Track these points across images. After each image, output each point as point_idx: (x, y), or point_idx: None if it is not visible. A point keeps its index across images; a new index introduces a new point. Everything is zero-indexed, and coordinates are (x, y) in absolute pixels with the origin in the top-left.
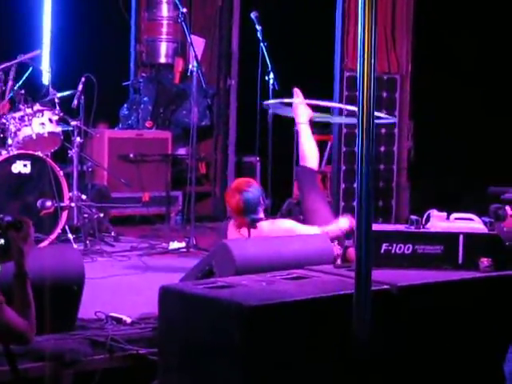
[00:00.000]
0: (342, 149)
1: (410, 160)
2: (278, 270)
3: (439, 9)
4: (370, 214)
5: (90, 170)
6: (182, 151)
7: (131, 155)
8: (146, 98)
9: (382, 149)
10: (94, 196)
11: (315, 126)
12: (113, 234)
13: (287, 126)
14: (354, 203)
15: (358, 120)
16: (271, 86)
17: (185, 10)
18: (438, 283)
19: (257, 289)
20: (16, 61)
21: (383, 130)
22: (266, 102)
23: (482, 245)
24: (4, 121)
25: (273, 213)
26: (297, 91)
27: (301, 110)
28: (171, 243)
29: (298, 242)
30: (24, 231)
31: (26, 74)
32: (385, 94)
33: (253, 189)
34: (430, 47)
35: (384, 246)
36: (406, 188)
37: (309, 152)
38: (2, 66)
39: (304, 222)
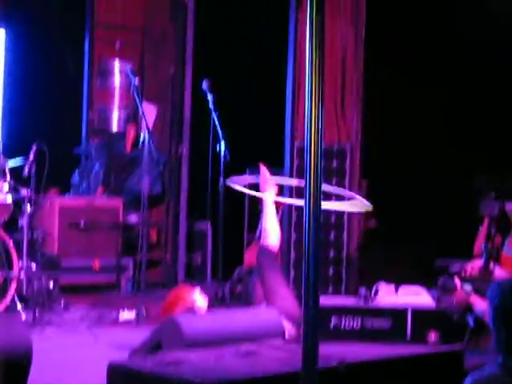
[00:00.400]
0: (293, 216)
1: (360, 229)
2: (227, 344)
3: (389, 78)
4: (316, 288)
5: (40, 237)
6: (133, 218)
7: (82, 223)
8: (97, 166)
9: (333, 218)
10: (43, 264)
11: None
12: (62, 303)
13: (238, 193)
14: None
15: (305, 192)
16: (222, 155)
17: (137, 81)
18: (386, 359)
19: (205, 366)
20: None
21: (333, 199)
22: (230, 183)
23: (430, 319)
24: None
25: (224, 279)
26: (263, 168)
27: (267, 188)
28: (121, 313)
29: (248, 315)
30: None
31: None
32: (335, 164)
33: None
34: (380, 117)
35: (334, 320)
36: (355, 256)
37: (272, 231)
38: None
39: (266, 301)
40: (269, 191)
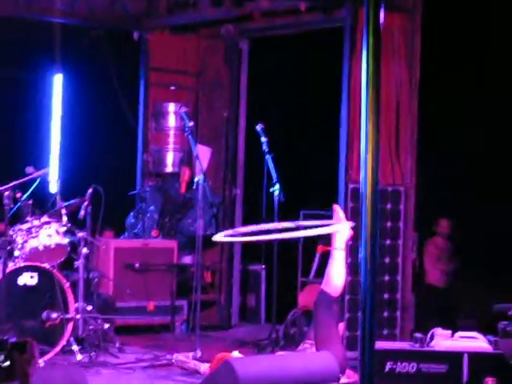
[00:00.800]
0: (348, 259)
1: (415, 271)
2: None
3: (443, 120)
4: (372, 331)
5: (95, 279)
6: (187, 260)
7: (137, 265)
8: (152, 207)
9: (387, 260)
10: (99, 306)
11: (322, 237)
12: (117, 344)
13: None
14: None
15: (362, 231)
16: (276, 198)
17: (191, 123)
18: None
19: None
20: (24, 179)
21: (388, 242)
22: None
23: (487, 364)
24: (11, 233)
25: (277, 321)
26: (337, 209)
27: (340, 232)
28: (176, 355)
29: (303, 360)
30: (28, 353)
31: (34, 185)
32: (389, 206)
33: None
34: (434, 158)
35: (388, 365)
36: (410, 299)
37: (336, 278)
38: (12, 184)
39: (316, 347)
40: (342, 237)
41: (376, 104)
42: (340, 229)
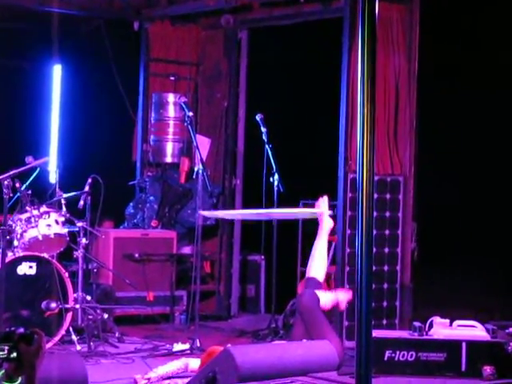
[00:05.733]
0: (346, 250)
1: (414, 261)
2: (281, 377)
3: (442, 111)
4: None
5: (95, 270)
6: (186, 250)
7: (136, 255)
8: (151, 197)
9: (386, 250)
10: (98, 296)
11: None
12: (117, 334)
13: (292, 225)
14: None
15: (358, 221)
16: (275, 188)
17: (191, 113)
18: None
19: None
20: (24, 168)
21: (387, 232)
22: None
23: (486, 352)
24: (10, 222)
25: (277, 311)
26: (323, 200)
27: (326, 220)
28: (175, 345)
29: (302, 348)
30: (36, 344)
31: (34, 175)
32: (388, 196)
33: None
34: (433, 149)
35: (387, 353)
36: (409, 289)
37: (318, 264)
38: (11, 172)
39: (309, 336)
40: (327, 224)
41: (372, 94)
42: (320, 215)
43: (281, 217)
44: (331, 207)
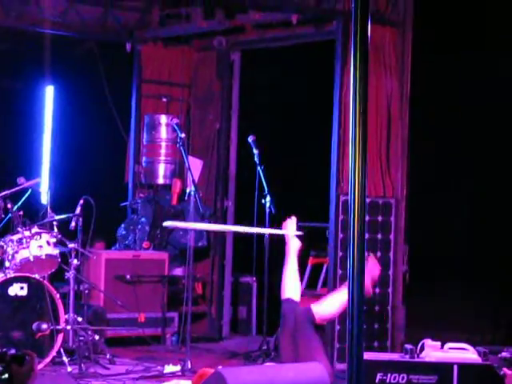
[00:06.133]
0: (338, 272)
1: (406, 283)
2: None
3: (434, 133)
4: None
5: (86, 291)
6: (178, 271)
7: (128, 276)
8: (143, 219)
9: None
10: (89, 317)
11: (313, 249)
12: (108, 356)
13: (284, 247)
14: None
15: (349, 244)
16: (267, 209)
17: (183, 135)
18: None
19: None
20: (16, 188)
21: (378, 254)
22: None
23: (477, 375)
24: (2, 243)
25: (268, 333)
26: (290, 222)
27: (293, 241)
28: (166, 366)
29: (293, 370)
30: (28, 366)
31: (25, 196)
32: (380, 218)
33: None
34: (425, 171)
35: (379, 376)
36: (401, 311)
37: (292, 285)
38: (3, 193)
39: (298, 357)
40: (294, 245)
41: (363, 117)
42: (287, 236)
43: (246, 231)
44: (300, 228)
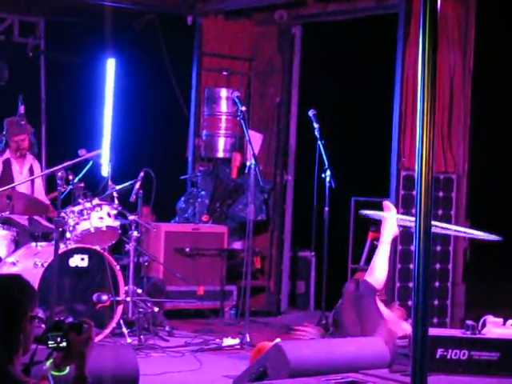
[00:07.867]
0: (398, 247)
1: (466, 260)
2: (332, 372)
3: (496, 108)
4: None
5: (146, 263)
6: (237, 245)
7: (187, 249)
8: (203, 192)
9: (438, 248)
10: (149, 290)
11: (370, 223)
12: (167, 328)
13: (343, 222)
14: (410, 303)
15: (416, 222)
16: (327, 184)
17: (244, 108)
18: None
19: None
20: (77, 160)
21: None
22: (363, 212)
23: None
24: (63, 214)
25: (327, 308)
26: (388, 205)
27: (389, 226)
28: (225, 339)
29: (353, 344)
30: (85, 334)
31: (86, 168)
32: (441, 194)
33: None
34: (487, 146)
35: (439, 351)
36: (461, 288)
37: (380, 270)
38: (65, 164)
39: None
40: (390, 231)
41: (432, 91)
42: (389, 218)
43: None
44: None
